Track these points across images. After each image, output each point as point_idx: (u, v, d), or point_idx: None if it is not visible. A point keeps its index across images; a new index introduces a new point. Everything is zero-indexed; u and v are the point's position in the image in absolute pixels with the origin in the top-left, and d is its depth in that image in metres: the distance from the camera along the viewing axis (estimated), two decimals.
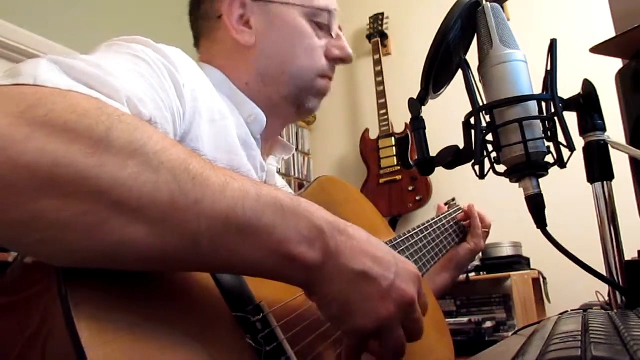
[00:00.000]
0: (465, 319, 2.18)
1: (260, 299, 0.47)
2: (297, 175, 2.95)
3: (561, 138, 0.57)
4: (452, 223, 1.06)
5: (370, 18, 3.02)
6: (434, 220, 0.99)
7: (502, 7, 0.61)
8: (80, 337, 0.32)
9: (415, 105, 0.64)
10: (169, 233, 0.36)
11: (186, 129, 0.57)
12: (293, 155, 2.95)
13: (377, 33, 2.96)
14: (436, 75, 0.61)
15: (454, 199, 1.19)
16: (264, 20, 0.74)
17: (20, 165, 0.31)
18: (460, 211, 1.14)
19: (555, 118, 0.57)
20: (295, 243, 0.41)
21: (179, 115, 0.56)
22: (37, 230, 0.33)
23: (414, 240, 0.85)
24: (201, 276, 0.44)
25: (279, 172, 0.86)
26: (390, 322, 0.46)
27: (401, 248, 0.79)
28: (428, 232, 0.93)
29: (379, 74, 2.86)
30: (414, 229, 0.89)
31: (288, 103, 0.76)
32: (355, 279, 0.44)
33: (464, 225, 1.09)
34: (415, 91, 0.64)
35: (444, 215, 1.05)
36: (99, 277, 0.36)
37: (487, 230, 1.10)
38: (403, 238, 0.82)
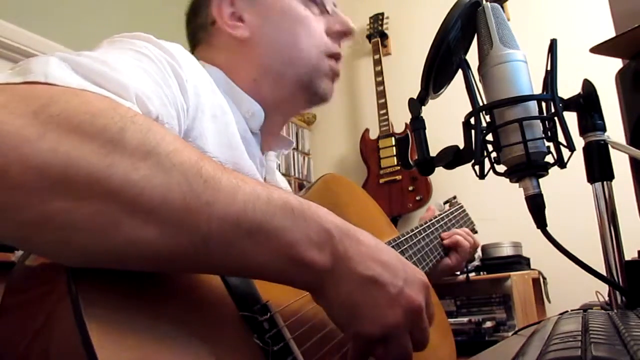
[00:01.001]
0: (465, 319, 2.19)
1: (266, 299, 0.47)
2: (297, 175, 2.95)
3: (561, 138, 0.57)
4: (453, 222, 1.05)
5: (370, 18, 3.03)
6: (437, 219, 0.99)
7: (502, 7, 0.61)
8: (91, 337, 0.32)
9: (415, 105, 0.64)
10: (181, 235, 0.36)
11: (189, 124, 0.57)
12: (293, 155, 2.97)
13: (377, 33, 2.97)
14: (436, 75, 0.61)
15: (454, 197, 1.18)
16: (256, 12, 0.74)
17: (33, 166, 0.31)
18: (462, 209, 1.13)
19: (555, 118, 0.57)
20: (305, 247, 0.41)
21: (183, 111, 0.56)
22: (49, 231, 0.32)
23: (416, 239, 0.85)
24: (209, 276, 0.44)
25: (278, 170, 0.85)
26: (397, 329, 0.45)
27: (404, 246, 0.80)
28: (430, 230, 0.93)
29: (379, 74, 2.86)
30: (417, 228, 0.88)
31: (300, 91, 0.75)
32: (364, 284, 0.44)
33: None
34: (415, 91, 0.63)
35: (446, 214, 1.05)
36: (107, 276, 0.36)
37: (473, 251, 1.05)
38: (406, 237, 0.82)
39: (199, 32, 0.79)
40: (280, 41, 0.73)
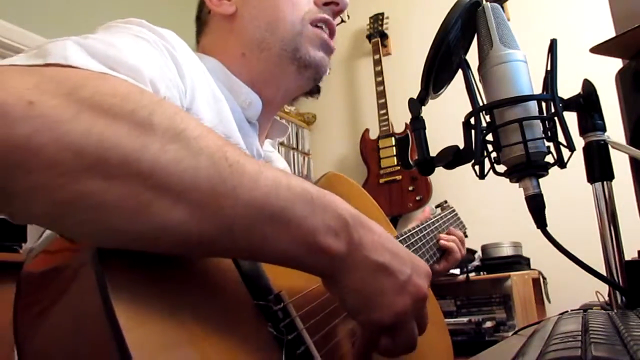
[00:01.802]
0: (465, 319, 2.18)
1: (278, 288, 0.48)
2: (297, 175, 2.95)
3: (561, 138, 0.57)
4: (447, 224, 1.06)
5: (370, 18, 3.02)
6: (431, 221, 0.99)
7: (502, 7, 0.61)
8: (118, 318, 0.33)
9: (415, 105, 0.64)
10: (208, 218, 0.36)
11: (188, 106, 0.58)
12: (293, 155, 2.97)
13: (377, 33, 2.96)
14: (436, 75, 0.61)
15: (446, 201, 1.19)
16: None
17: (66, 146, 0.31)
18: (454, 212, 1.14)
19: (555, 118, 0.57)
20: (323, 234, 0.42)
21: (182, 93, 0.56)
22: (81, 211, 0.33)
23: (413, 240, 0.85)
24: (225, 264, 0.45)
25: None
26: (405, 315, 0.47)
27: (404, 245, 0.80)
28: (426, 231, 0.94)
29: (379, 74, 2.86)
30: (414, 229, 0.89)
31: (287, 59, 0.73)
32: (376, 272, 0.45)
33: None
34: (415, 91, 0.63)
35: (440, 216, 1.05)
36: (131, 260, 0.37)
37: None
38: (404, 237, 0.82)
39: (200, 27, 0.80)
40: (263, 13, 0.73)
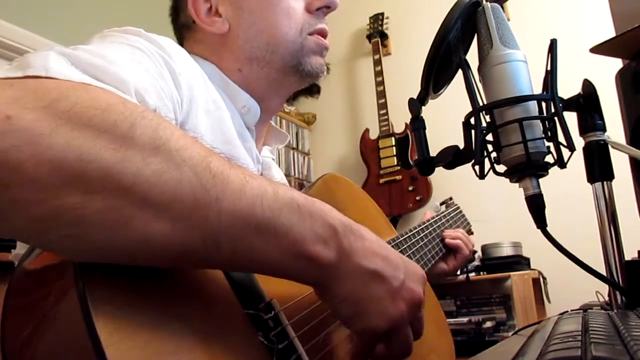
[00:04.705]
0: (465, 319, 2.19)
1: (270, 296, 0.47)
2: (297, 175, 2.95)
3: (561, 138, 0.57)
4: (450, 222, 1.06)
5: (370, 18, 3.02)
6: (434, 219, 0.99)
7: (502, 7, 0.61)
8: (99, 333, 0.32)
9: (415, 105, 0.64)
10: (191, 230, 0.36)
11: (184, 118, 0.57)
12: (293, 155, 2.97)
13: (377, 33, 2.96)
14: (436, 75, 0.61)
15: (451, 198, 1.18)
16: (230, 3, 0.72)
17: (45, 160, 0.31)
18: (459, 209, 1.13)
19: (555, 118, 0.57)
20: (311, 242, 0.41)
21: (178, 104, 0.56)
22: (61, 226, 0.32)
23: (415, 239, 0.85)
24: (214, 273, 0.44)
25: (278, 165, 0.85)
26: (400, 321, 0.46)
27: (404, 246, 0.80)
28: (429, 230, 0.93)
29: (379, 74, 2.86)
30: (415, 228, 0.89)
31: (288, 73, 0.73)
32: (368, 279, 0.45)
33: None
34: (415, 91, 0.63)
35: (443, 214, 1.05)
36: (114, 273, 0.36)
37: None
38: (405, 237, 0.82)
39: (183, 30, 0.78)
40: (258, 28, 0.71)
